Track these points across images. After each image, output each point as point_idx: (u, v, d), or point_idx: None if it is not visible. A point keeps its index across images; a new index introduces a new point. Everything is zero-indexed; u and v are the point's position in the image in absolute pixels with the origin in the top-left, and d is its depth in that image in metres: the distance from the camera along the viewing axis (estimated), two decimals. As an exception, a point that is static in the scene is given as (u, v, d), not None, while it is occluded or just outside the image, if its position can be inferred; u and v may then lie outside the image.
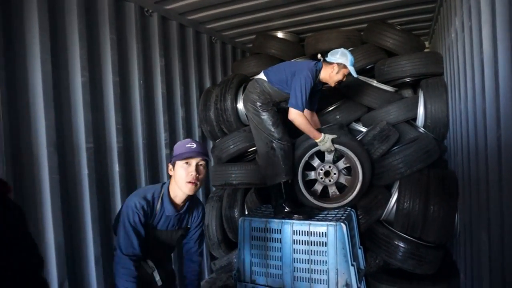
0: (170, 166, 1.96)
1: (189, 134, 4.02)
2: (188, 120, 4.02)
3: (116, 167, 2.92)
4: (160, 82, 3.52)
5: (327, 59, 2.98)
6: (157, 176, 3.47)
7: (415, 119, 3.86)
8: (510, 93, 1.41)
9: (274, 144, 2.95)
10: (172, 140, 3.68)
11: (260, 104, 3.00)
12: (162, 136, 3.55)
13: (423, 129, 3.72)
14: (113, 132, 2.92)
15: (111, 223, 2.89)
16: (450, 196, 3.05)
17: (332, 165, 3.16)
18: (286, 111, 3.00)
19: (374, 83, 4.01)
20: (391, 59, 3.91)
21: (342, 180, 3.21)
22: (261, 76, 3.08)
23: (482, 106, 1.92)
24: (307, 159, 3.08)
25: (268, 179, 3.04)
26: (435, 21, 4.17)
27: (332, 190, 3.21)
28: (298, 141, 3.13)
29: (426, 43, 5.05)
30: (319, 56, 3.11)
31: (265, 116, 2.98)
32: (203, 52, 4.39)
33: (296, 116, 2.86)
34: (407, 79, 3.93)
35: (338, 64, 2.92)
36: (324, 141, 2.93)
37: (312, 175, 3.20)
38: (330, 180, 3.17)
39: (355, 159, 3.05)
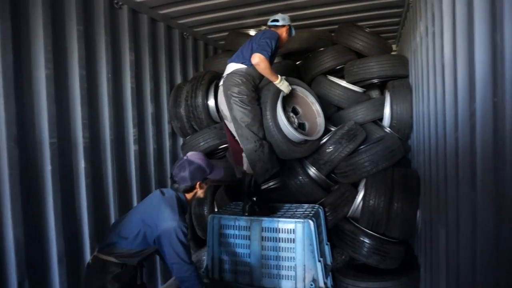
0: (201, 183, 2.26)
1: (158, 130, 3.96)
2: (157, 116, 3.96)
3: (82, 163, 2.84)
4: (129, 76, 3.44)
5: (280, 23, 3.19)
6: (124, 172, 3.39)
7: (381, 119, 4.01)
8: (467, 97, 1.50)
9: (262, 142, 2.97)
10: (140, 136, 3.61)
11: (250, 98, 2.93)
12: (131, 132, 3.48)
13: (389, 129, 3.87)
14: (79, 127, 2.83)
15: (76, 220, 2.81)
16: (413, 194, 3.19)
17: (288, 112, 3.28)
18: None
19: (343, 83, 4.12)
20: (360, 61, 4.03)
21: (301, 120, 3.38)
22: (234, 66, 3.00)
23: (443, 109, 2.02)
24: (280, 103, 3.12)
25: (258, 177, 3.05)
26: (402, 25, 4.33)
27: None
28: (264, 98, 3.10)
29: (394, 46, 5.23)
30: (263, 27, 3.22)
31: (252, 113, 2.93)
32: (175, 47, 4.33)
33: (261, 60, 2.86)
34: (375, 80, 4.07)
35: (288, 26, 3.24)
36: (282, 81, 3.05)
37: None
38: (293, 124, 3.23)
39: (310, 95, 3.37)
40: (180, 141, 4.32)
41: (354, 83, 4.13)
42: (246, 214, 2.99)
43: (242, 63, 2.99)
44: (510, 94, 1.08)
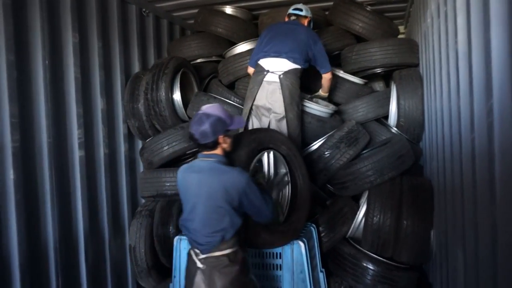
0: (224, 137, 2.31)
1: (111, 131, 3.92)
2: (110, 114, 3.92)
3: (10, 174, 2.78)
4: (72, 64, 3.40)
5: (303, 13, 3.69)
6: (66, 184, 3.34)
7: (386, 117, 4.08)
8: (484, 92, 1.55)
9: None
10: (88, 139, 3.56)
11: (300, 100, 3.54)
12: (75, 133, 3.43)
13: (395, 129, 3.94)
14: (6, 128, 2.77)
15: (2, 245, 2.75)
16: (425, 209, 3.26)
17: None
18: None
19: (341, 73, 4.18)
20: (360, 46, 4.10)
21: None
22: (290, 65, 3.39)
23: (457, 104, 2.08)
24: None
25: None
26: (411, 2, 4.42)
27: None
28: None
29: (401, 28, 5.34)
30: (292, 17, 3.67)
31: (300, 116, 3.52)
32: (131, 28, 4.32)
33: (331, 76, 3.69)
34: (378, 70, 4.14)
35: (310, 18, 3.78)
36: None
37: None
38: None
39: None
40: (139, 144, 4.30)
41: (353, 73, 4.19)
42: None
43: (294, 63, 3.42)
44: (531, 88, 1.12)
